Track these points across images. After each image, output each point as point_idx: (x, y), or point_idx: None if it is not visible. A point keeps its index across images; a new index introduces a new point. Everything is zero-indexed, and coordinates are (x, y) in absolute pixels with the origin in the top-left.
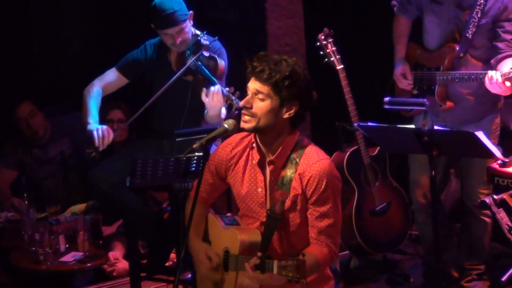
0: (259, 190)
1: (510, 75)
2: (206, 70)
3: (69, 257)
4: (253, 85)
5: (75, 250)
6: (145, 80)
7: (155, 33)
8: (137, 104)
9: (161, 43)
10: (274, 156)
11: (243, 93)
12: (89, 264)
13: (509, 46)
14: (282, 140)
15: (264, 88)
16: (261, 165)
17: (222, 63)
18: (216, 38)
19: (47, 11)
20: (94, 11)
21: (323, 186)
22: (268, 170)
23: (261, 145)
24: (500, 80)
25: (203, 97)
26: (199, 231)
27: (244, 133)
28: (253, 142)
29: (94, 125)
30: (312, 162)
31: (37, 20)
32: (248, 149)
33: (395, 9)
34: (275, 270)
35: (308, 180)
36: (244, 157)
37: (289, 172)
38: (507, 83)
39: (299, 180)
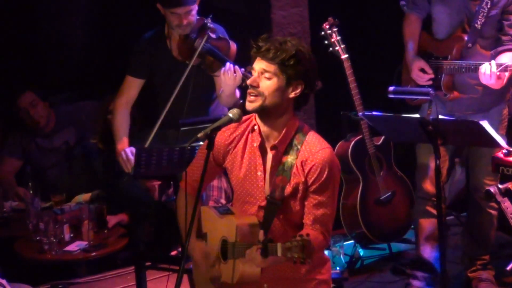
0: (259, 173)
1: (503, 67)
2: (217, 51)
3: (73, 247)
4: (259, 64)
5: (80, 240)
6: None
7: (158, 20)
8: (140, 95)
9: (159, 32)
10: (277, 141)
11: None
12: (93, 254)
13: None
14: (285, 123)
15: (271, 67)
16: (262, 148)
17: (234, 44)
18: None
19: (51, 0)
20: (99, 0)
21: (324, 175)
22: (270, 155)
23: (263, 128)
24: (494, 69)
25: (220, 76)
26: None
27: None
28: (254, 125)
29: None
30: (315, 150)
31: (41, 10)
32: (247, 133)
33: (404, 8)
34: (279, 253)
35: (311, 168)
36: (242, 141)
37: (290, 158)
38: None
39: (301, 167)
